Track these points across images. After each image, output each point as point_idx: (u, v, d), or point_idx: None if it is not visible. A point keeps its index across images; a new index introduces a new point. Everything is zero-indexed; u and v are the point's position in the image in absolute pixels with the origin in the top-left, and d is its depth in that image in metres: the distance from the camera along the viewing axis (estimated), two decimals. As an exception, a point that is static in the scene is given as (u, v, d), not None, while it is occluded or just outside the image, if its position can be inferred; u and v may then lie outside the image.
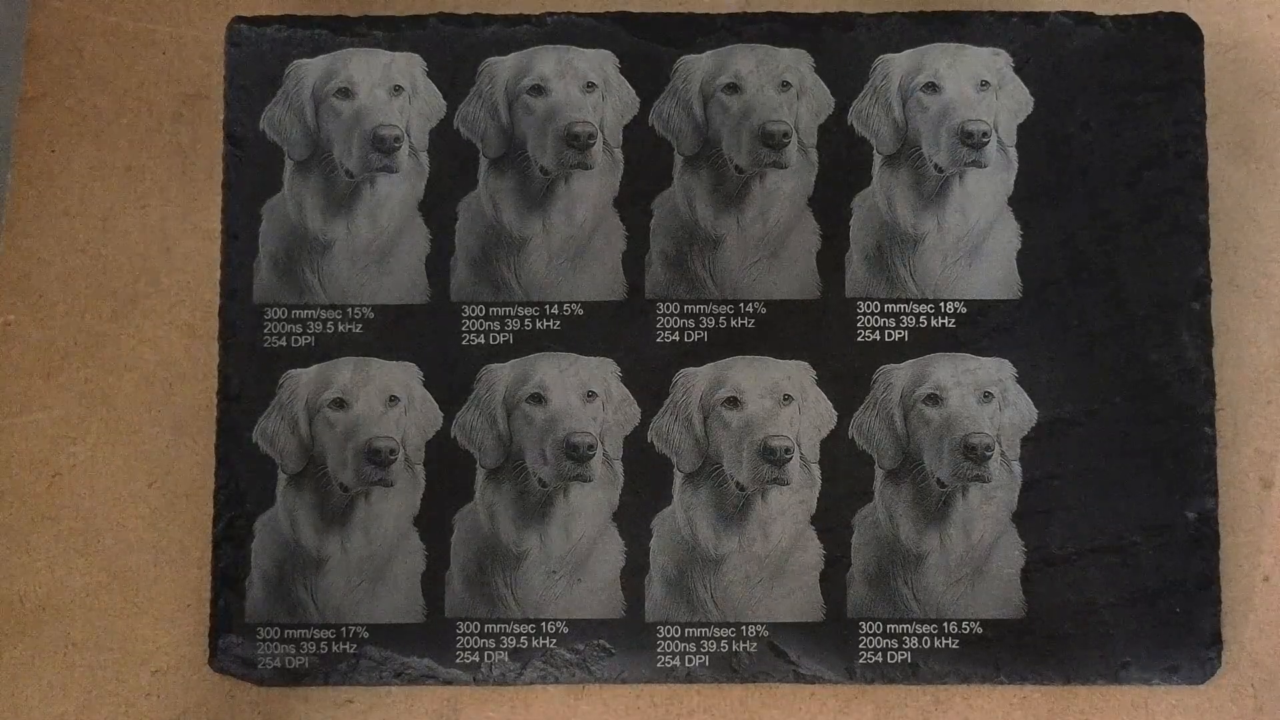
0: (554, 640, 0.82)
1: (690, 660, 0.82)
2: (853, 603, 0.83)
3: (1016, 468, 0.83)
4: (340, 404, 0.83)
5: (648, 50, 0.86)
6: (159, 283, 0.87)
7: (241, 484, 0.83)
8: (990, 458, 0.82)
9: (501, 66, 0.85)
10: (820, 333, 0.84)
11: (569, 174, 0.85)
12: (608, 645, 0.82)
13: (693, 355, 0.84)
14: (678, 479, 0.83)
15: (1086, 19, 0.85)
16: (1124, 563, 0.82)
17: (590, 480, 0.83)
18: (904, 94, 0.85)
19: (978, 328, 0.84)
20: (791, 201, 0.85)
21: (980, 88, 0.85)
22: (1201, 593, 0.82)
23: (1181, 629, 0.82)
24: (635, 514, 0.83)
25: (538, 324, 0.84)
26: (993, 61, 0.85)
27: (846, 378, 0.84)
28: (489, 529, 0.83)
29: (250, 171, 0.85)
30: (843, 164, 0.85)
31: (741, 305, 0.84)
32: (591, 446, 0.82)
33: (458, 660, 0.82)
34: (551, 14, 0.86)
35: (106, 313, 0.87)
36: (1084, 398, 0.83)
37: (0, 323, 0.87)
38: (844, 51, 0.86)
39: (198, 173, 0.88)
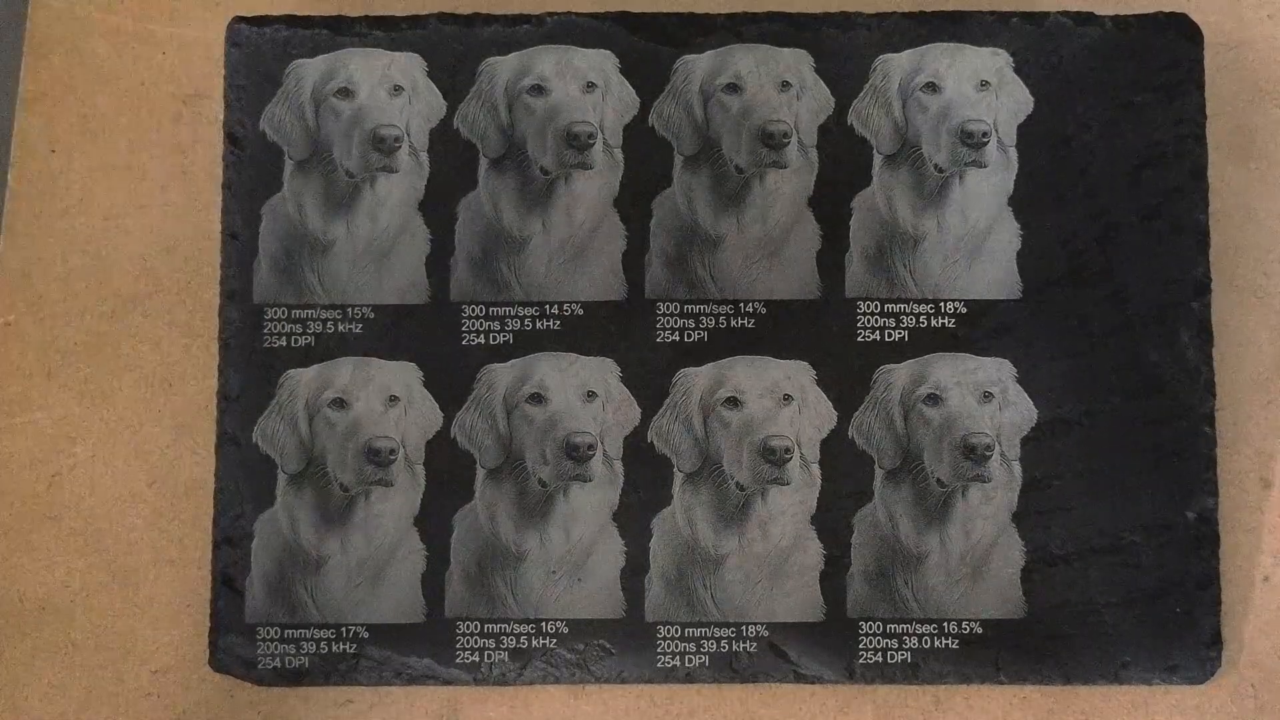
0: (554, 640, 0.82)
1: (690, 660, 0.82)
2: (853, 603, 0.83)
3: (1016, 468, 0.83)
4: (340, 404, 0.83)
5: (648, 50, 0.86)
6: (159, 283, 0.87)
7: (241, 484, 0.83)
8: (990, 458, 0.82)
9: (501, 66, 0.85)
10: (820, 333, 0.84)
11: (569, 174, 0.85)
12: (608, 645, 0.82)
13: (693, 355, 0.84)
14: (678, 479, 0.83)
15: (1086, 19, 0.85)
16: (1124, 563, 0.82)
17: (590, 480, 0.83)
18: (904, 94, 0.85)
19: (978, 328, 0.84)
20: (791, 201, 0.85)
21: (980, 88, 0.85)
22: (1201, 593, 0.82)
23: (1181, 629, 0.82)
24: (635, 514, 0.83)
25: (538, 324, 0.84)
26: (993, 61, 0.85)
27: (846, 378, 0.84)
28: (489, 529, 0.83)
29: (250, 171, 0.85)
30: (843, 164, 0.85)
31: (741, 305, 0.84)
32: (591, 446, 0.82)
33: (458, 660, 0.82)
34: (551, 14, 0.86)
35: (106, 313, 0.87)
36: (1084, 398, 0.83)
37: (0, 323, 0.87)
38: (844, 51, 0.86)
39: (198, 173, 0.88)
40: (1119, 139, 0.85)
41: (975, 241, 0.84)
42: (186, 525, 0.85)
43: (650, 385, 0.84)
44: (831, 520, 0.83)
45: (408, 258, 0.85)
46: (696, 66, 0.85)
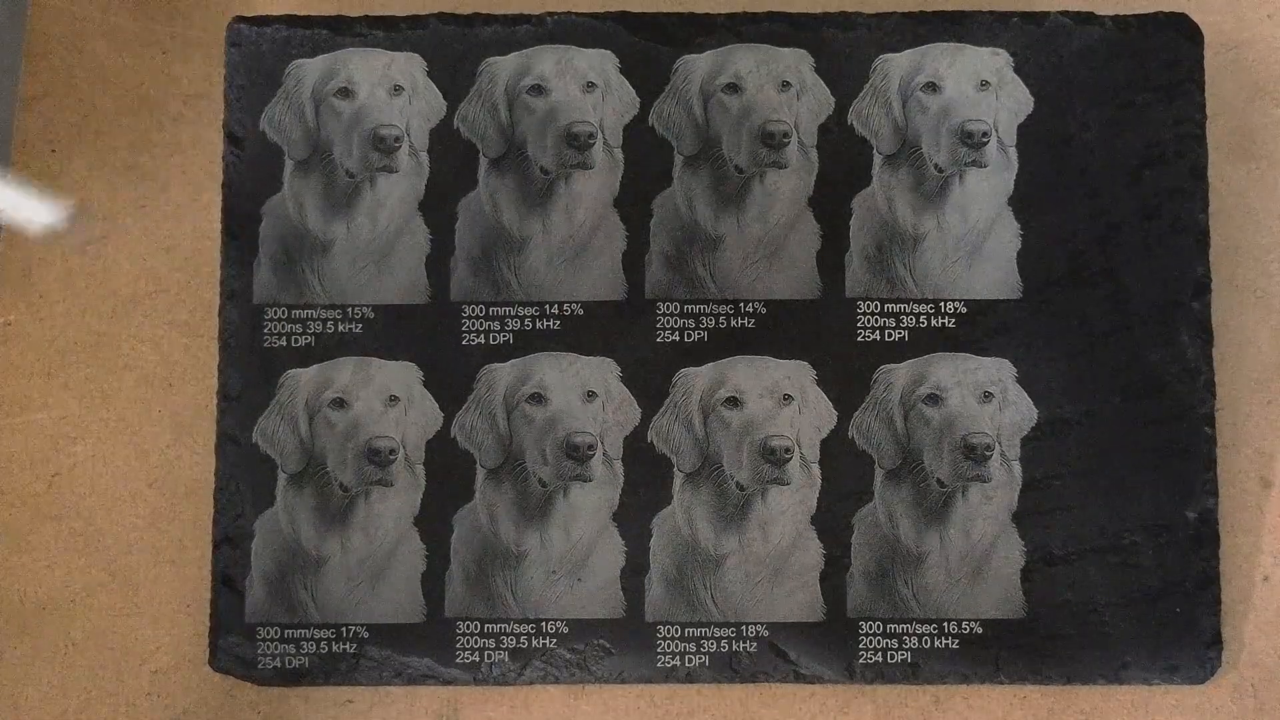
0: (554, 640, 0.82)
1: (690, 660, 0.82)
2: (853, 603, 0.83)
3: (1016, 468, 0.83)
4: (340, 404, 0.83)
5: (648, 50, 0.86)
6: (159, 283, 0.87)
7: (241, 484, 0.83)
8: (990, 458, 0.82)
9: (501, 66, 0.85)
10: (820, 333, 0.84)
11: (569, 174, 0.85)
12: (608, 645, 0.82)
13: (693, 355, 0.84)
14: (678, 479, 0.83)
15: (1086, 19, 0.85)
16: (1124, 563, 0.82)
17: (590, 480, 0.83)
18: (904, 94, 0.85)
19: (978, 328, 0.84)
20: (791, 201, 0.85)
21: (980, 88, 0.85)
22: (1201, 593, 0.82)
23: (1181, 629, 0.82)
24: (635, 514, 0.83)
25: (538, 324, 0.84)
26: (993, 61, 0.85)
27: (846, 378, 0.84)
28: (489, 529, 0.83)
29: (250, 171, 0.85)
30: (843, 164, 0.85)
31: (741, 305, 0.84)
32: (592, 446, 0.82)
33: (458, 660, 0.82)
34: (551, 14, 0.86)
35: (106, 313, 0.87)
36: (1084, 398, 0.83)
37: (0, 323, 0.87)
38: (844, 51, 0.86)
39: (198, 173, 0.88)
40: (1119, 139, 0.85)
41: (975, 241, 0.84)
42: (186, 525, 0.85)
43: (650, 385, 0.84)
44: (831, 520, 0.83)
45: (408, 258, 0.85)
46: (696, 66, 0.85)
